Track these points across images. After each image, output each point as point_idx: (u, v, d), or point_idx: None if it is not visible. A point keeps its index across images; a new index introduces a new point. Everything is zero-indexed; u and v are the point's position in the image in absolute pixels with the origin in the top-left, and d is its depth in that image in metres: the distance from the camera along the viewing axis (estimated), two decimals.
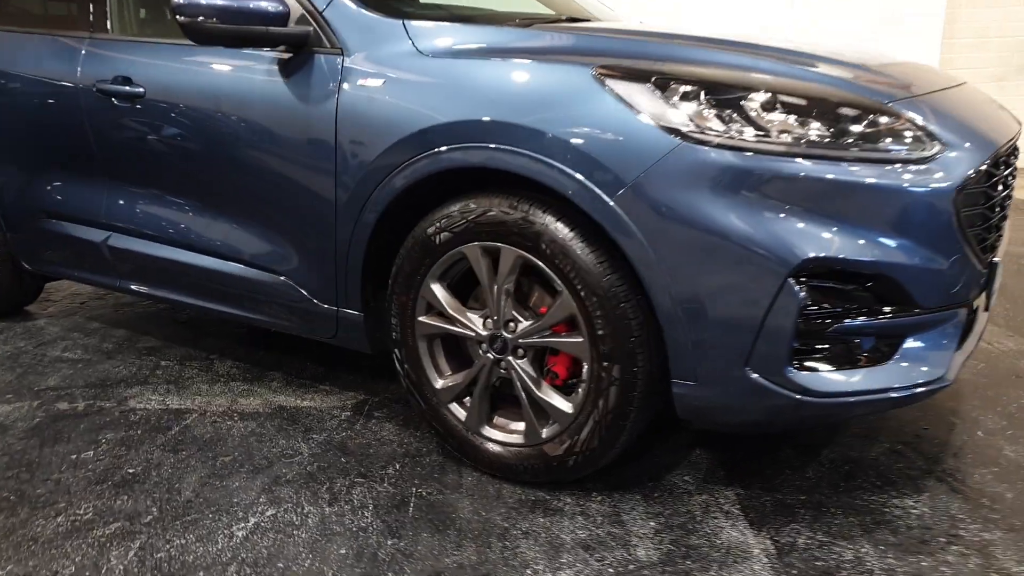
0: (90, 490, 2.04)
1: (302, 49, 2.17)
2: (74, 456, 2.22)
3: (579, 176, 1.70)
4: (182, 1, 2.08)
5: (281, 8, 2.11)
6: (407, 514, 1.92)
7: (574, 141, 1.71)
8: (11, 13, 3.08)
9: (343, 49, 2.11)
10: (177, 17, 2.09)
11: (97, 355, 3.04)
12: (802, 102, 1.66)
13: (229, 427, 2.40)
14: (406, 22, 2.07)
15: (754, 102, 1.64)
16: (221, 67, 2.34)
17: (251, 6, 2.08)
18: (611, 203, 1.68)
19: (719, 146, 1.61)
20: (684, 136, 1.63)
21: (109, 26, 2.69)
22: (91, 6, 2.72)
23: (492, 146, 1.81)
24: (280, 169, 2.24)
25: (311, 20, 2.16)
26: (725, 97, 1.65)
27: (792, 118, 1.64)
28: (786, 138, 1.62)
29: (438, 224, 1.97)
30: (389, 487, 2.04)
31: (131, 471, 2.13)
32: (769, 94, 1.64)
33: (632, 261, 1.69)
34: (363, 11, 2.13)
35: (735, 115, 1.63)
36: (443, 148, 1.89)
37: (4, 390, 2.70)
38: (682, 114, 1.65)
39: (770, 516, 1.88)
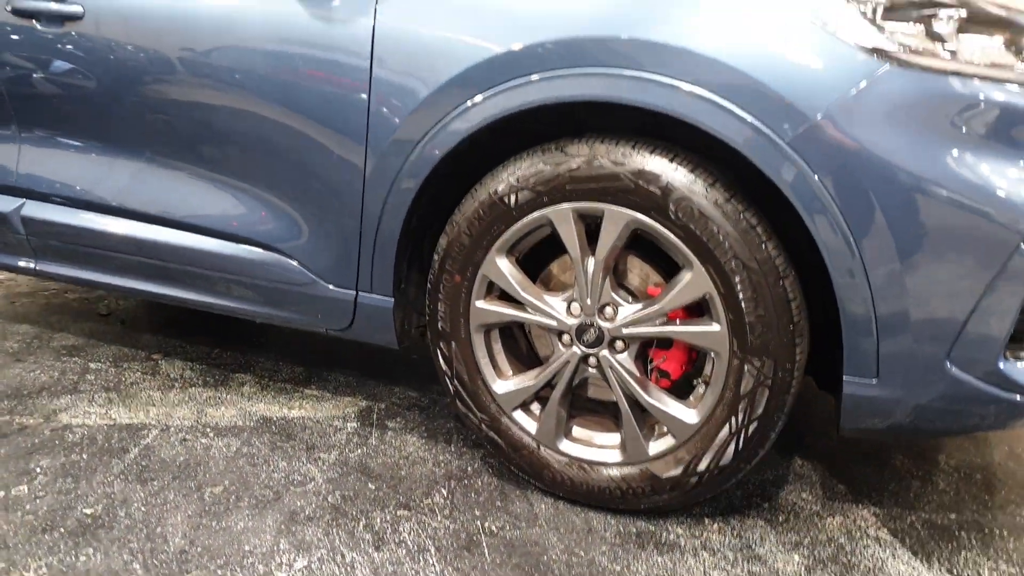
0: (36, 542, 1.46)
1: None
2: (1, 494, 1.63)
3: (740, 111, 1.30)
4: None
5: None
6: (483, 557, 1.47)
7: (733, 64, 1.31)
8: None
9: None
10: None
11: (1, 356, 2.39)
12: None
13: (206, 446, 1.86)
14: None
15: (977, 23, 1.29)
16: None
17: None
18: (785, 146, 1.29)
19: (938, 71, 1.25)
20: (893, 59, 1.26)
21: None
22: None
23: (610, 71, 1.38)
24: (280, 113, 1.72)
25: None
26: (942, 12, 1.28)
27: None
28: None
29: (513, 180, 1.53)
30: (445, 521, 1.58)
31: (88, 511, 1.57)
32: (1003, 10, 1.30)
33: (810, 223, 1.31)
34: None
35: (954, 36, 1.27)
36: (534, 76, 1.44)
37: None
38: (890, 31, 1.27)
39: (931, 543, 1.55)
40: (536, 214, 1.53)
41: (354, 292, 1.79)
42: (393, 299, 1.76)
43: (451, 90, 1.52)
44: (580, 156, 1.47)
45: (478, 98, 1.50)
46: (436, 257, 1.67)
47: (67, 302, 2.89)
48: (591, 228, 1.52)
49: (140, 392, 2.15)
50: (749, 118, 1.30)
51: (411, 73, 1.57)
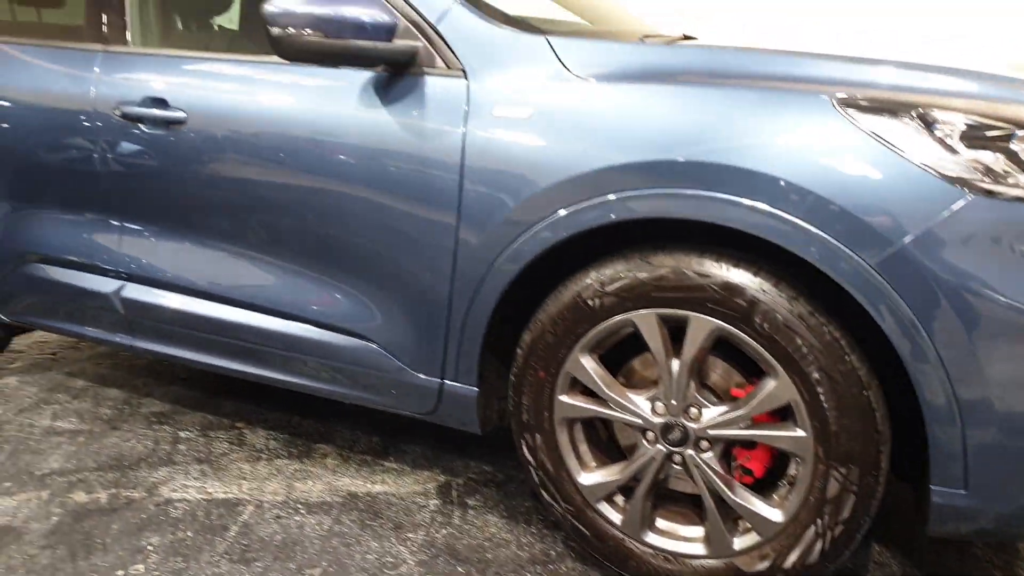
0: None
1: (407, 69, 1.78)
2: (120, 573, 1.75)
3: (826, 235, 1.37)
4: (276, 10, 1.67)
5: (388, 20, 1.72)
6: None
7: (818, 190, 1.37)
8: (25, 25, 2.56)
9: (465, 71, 1.73)
10: (269, 29, 1.68)
11: (98, 424, 2.53)
12: None
13: (299, 524, 1.96)
14: (550, 38, 1.70)
15: None
16: (293, 88, 1.93)
17: (355, 17, 1.68)
18: (872, 269, 1.35)
19: (1020, 200, 1.30)
20: (973, 187, 1.31)
21: (129, 37, 2.22)
22: (105, 14, 2.24)
23: (696, 193, 1.46)
24: (374, 213, 1.83)
25: (419, 35, 1.77)
26: (1020, 133, 1.34)
27: None
28: None
29: (597, 286, 1.61)
30: None
31: None
32: None
33: (895, 342, 1.36)
34: (490, 26, 1.75)
35: None
36: (625, 193, 1.52)
37: None
38: (966, 158, 1.33)
39: None
40: (620, 317, 1.61)
41: (439, 380, 1.89)
42: (477, 389, 1.84)
43: (540, 202, 1.61)
44: (665, 267, 1.54)
45: (562, 212, 1.59)
46: (520, 352, 1.75)
47: (149, 364, 3.03)
48: (674, 328, 1.59)
49: (231, 464, 2.27)
50: (834, 242, 1.37)
51: (500, 184, 1.66)
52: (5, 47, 2.43)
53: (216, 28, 2.34)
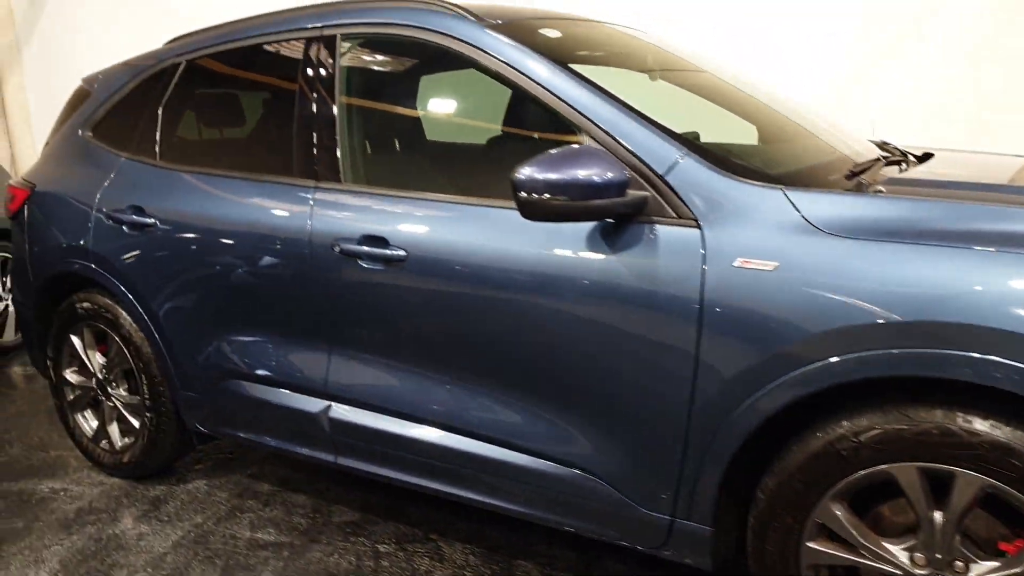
0: None
1: (634, 216, 1.84)
2: None
3: None
4: (523, 177, 1.76)
5: (621, 177, 1.78)
6: None
7: None
8: (209, 154, 2.76)
9: (698, 220, 1.78)
10: (517, 194, 1.77)
11: (297, 537, 2.63)
12: None
13: None
14: (787, 191, 1.74)
15: None
16: (516, 231, 2.00)
17: (592, 180, 1.75)
18: None
19: None
20: None
21: (341, 175, 2.35)
22: (318, 152, 2.38)
23: (958, 354, 1.47)
24: (602, 354, 1.88)
25: (647, 185, 1.84)
26: None
27: None
28: None
29: (852, 436, 1.62)
30: None
31: None
32: None
33: None
34: (722, 177, 1.80)
35: None
36: (893, 350, 1.54)
37: None
38: None
39: None
40: (876, 468, 1.61)
41: (670, 518, 1.91)
42: (711, 528, 1.86)
43: (788, 355, 1.64)
44: (930, 423, 1.54)
45: (812, 366, 1.61)
46: (761, 496, 1.77)
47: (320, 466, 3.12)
48: (936, 481, 1.58)
49: None
50: None
51: (744, 334, 1.69)
52: (213, 177, 2.61)
53: (422, 168, 2.45)
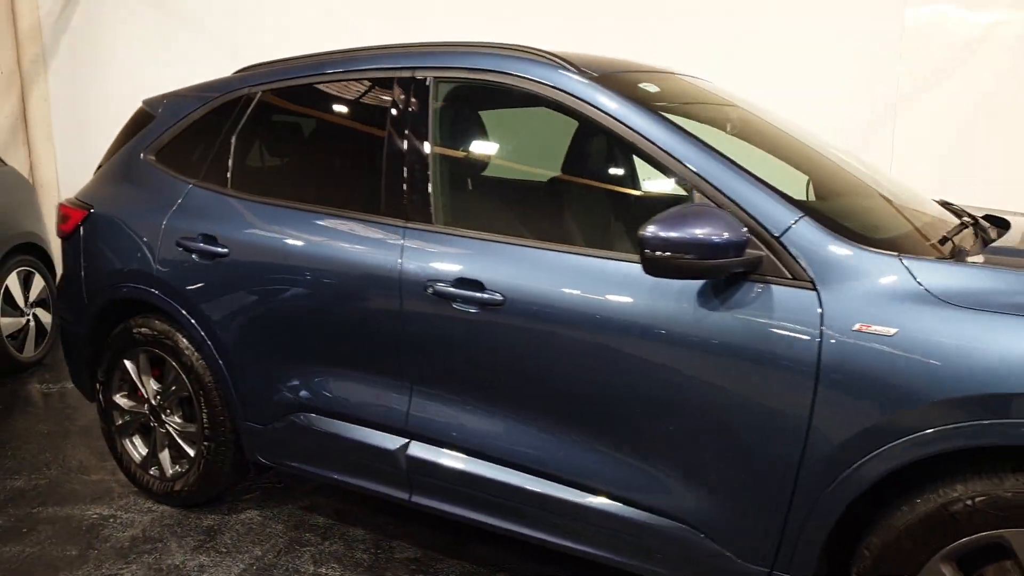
0: None
1: (748, 275, 1.89)
2: None
3: None
4: (649, 235, 1.80)
5: (740, 238, 1.83)
6: None
7: None
8: (285, 186, 2.77)
9: (814, 282, 1.83)
10: (644, 251, 1.81)
11: (361, 573, 2.63)
12: None
13: None
14: (903, 258, 1.81)
15: None
16: (621, 282, 2.04)
17: (712, 240, 1.80)
18: None
19: None
20: None
21: (433, 216, 2.37)
22: (409, 192, 2.41)
23: None
24: (709, 410, 1.93)
25: (762, 245, 1.89)
26: None
27: None
28: None
29: (967, 500, 1.67)
30: None
31: None
32: None
33: None
34: (838, 242, 1.85)
35: None
36: (1009, 420, 1.60)
37: None
38: None
39: None
40: (991, 532, 1.66)
41: (768, 571, 1.95)
42: None
43: (909, 419, 1.69)
44: None
45: (931, 430, 1.66)
46: (867, 553, 1.81)
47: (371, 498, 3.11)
48: None
49: None
50: None
51: (862, 396, 1.74)
52: (292, 211, 2.62)
53: (515, 213, 2.49)
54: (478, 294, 2.20)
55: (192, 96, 3.08)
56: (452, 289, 2.24)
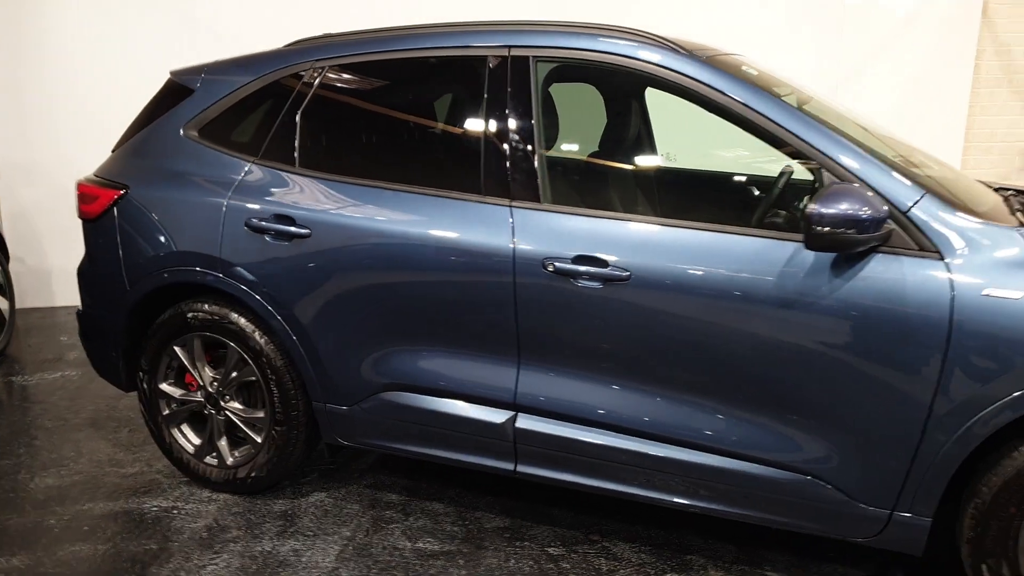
0: None
1: (878, 248, 2.07)
2: None
3: None
4: (816, 213, 1.95)
5: (882, 214, 2.00)
6: None
7: None
8: (364, 165, 2.72)
9: (941, 253, 2.03)
10: (812, 227, 1.96)
11: (460, 544, 2.68)
12: None
13: None
14: (1018, 230, 2.03)
15: None
16: (751, 255, 2.17)
17: (872, 215, 1.96)
18: None
19: None
20: None
21: (540, 195, 2.43)
22: (513, 171, 2.45)
23: None
24: (844, 368, 2.11)
25: (890, 220, 2.07)
26: None
27: None
28: None
29: None
30: None
31: None
32: None
33: None
34: (960, 215, 2.06)
35: None
36: None
37: None
38: None
39: None
40: None
41: (888, 511, 2.17)
42: (931, 519, 2.13)
43: None
44: None
45: None
46: (985, 489, 2.06)
47: (436, 468, 3.16)
48: None
49: None
50: None
51: (989, 354, 1.96)
52: (378, 190, 2.60)
53: (624, 190, 2.57)
54: (603, 270, 2.29)
55: (238, 69, 2.95)
56: (573, 266, 2.31)
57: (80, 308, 3.21)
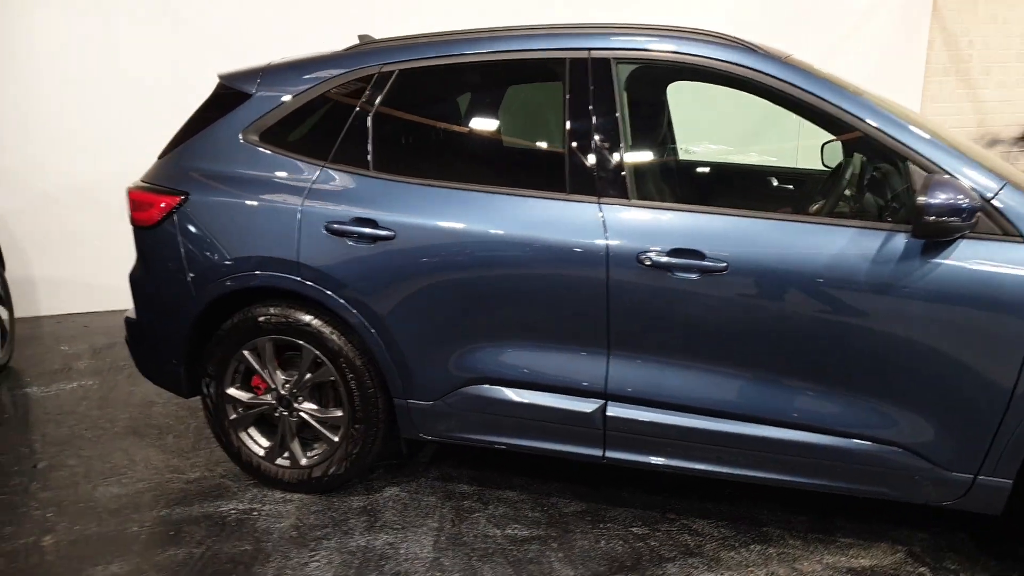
0: None
1: (957, 234, 2.25)
2: None
3: None
4: (926, 204, 2.11)
5: (976, 204, 2.16)
6: None
7: None
8: (444, 166, 2.76)
9: (1022, 236, 2.22)
10: (925, 217, 2.12)
11: (548, 529, 2.79)
12: None
13: None
14: None
15: None
16: (849, 243, 2.31)
17: (971, 204, 2.14)
18: None
19: None
20: None
21: (628, 192, 2.53)
22: (600, 170, 2.54)
23: None
24: (933, 347, 2.28)
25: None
26: None
27: None
28: None
29: None
30: None
31: None
32: None
33: None
34: None
35: None
36: None
37: None
38: None
39: None
40: None
41: (972, 476, 2.36)
42: (1012, 481, 2.33)
43: None
44: None
45: None
46: None
47: (492, 455, 3.25)
48: None
49: (722, 554, 2.62)
50: None
51: None
52: (460, 191, 2.66)
53: (709, 186, 2.68)
54: (700, 262, 2.41)
55: (298, 73, 2.95)
56: (669, 259, 2.43)
57: (131, 315, 3.17)
